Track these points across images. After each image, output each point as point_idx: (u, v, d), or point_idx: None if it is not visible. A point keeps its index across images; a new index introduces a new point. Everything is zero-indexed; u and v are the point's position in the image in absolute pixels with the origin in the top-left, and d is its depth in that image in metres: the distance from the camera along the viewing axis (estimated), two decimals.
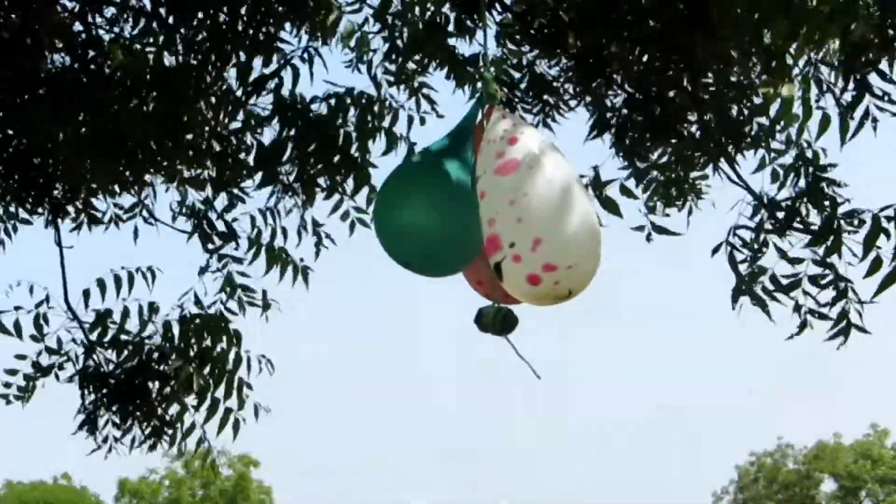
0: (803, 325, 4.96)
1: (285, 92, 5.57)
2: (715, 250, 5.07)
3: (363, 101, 5.58)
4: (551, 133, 5.66)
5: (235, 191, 5.88)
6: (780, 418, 79.68)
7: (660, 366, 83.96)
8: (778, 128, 5.32)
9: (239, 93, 5.60)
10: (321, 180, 5.72)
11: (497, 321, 3.00)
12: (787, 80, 5.15)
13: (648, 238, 5.51)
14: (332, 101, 5.56)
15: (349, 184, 5.78)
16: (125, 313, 5.87)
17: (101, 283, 5.78)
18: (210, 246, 5.97)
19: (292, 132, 5.51)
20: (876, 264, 4.39)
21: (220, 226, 6.00)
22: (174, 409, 5.89)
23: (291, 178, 5.70)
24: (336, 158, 5.57)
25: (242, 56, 5.41)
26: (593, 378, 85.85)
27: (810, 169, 5.18)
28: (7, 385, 5.87)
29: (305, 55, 5.57)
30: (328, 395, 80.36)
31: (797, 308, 4.95)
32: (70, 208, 5.87)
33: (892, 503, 55.39)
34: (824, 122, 5.15)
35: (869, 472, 55.82)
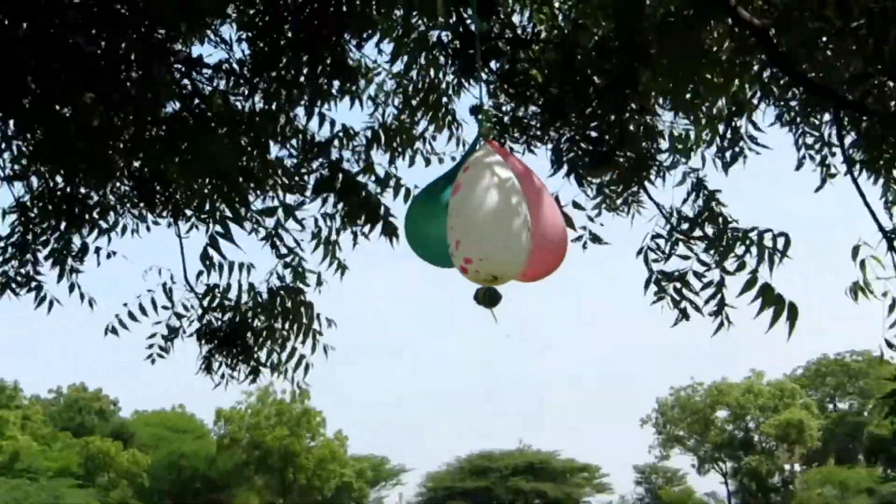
0: (685, 314, 5.47)
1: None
2: (638, 252, 5.60)
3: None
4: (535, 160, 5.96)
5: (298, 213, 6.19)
6: (691, 364, 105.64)
7: (607, 330, 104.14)
8: (680, 160, 5.93)
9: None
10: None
11: (485, 297, 3.34)
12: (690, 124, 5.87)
13: (584, 246, 5.99)
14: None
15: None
16: (227, 287, 6.30)
17: (210, 267, 6.12)
18: (279, 252, 6.32)
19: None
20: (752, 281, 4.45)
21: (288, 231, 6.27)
22: (264, 353, 6.38)
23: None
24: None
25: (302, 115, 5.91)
26: (560, 340, 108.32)
27: (703, 193, 5.65)
28: (150, 346, 6.39)
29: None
30: (370, 347, 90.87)
31: (678, 302, 5.46)
32: (188, 212, 6.26)
33: (768, 425, 62.83)
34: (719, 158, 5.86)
35: (752, 402, 64.69)
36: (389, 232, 6.12)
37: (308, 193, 6.09)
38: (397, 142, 6.08)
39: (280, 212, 6.12)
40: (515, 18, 5.97)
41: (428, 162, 6.26)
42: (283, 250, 6.32)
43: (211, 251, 6.01)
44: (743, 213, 5.01)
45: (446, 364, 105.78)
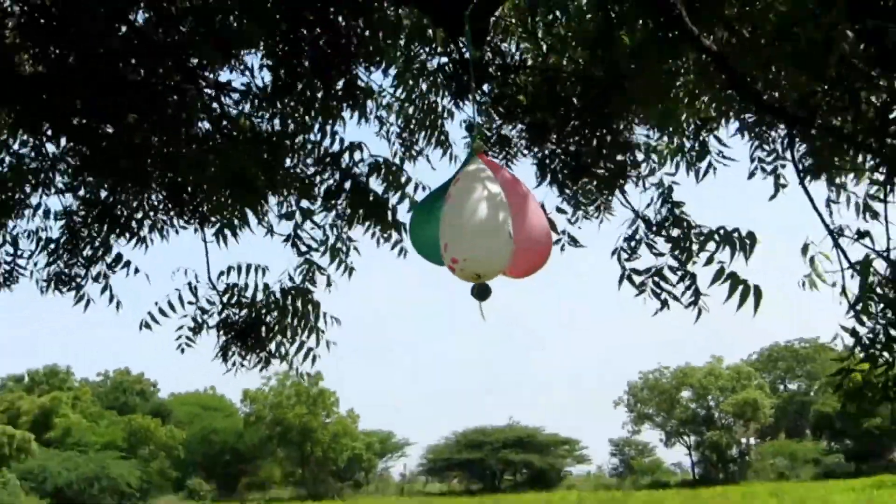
0: (665, 304, 5.36)
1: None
2: (612, 253, 5.58)
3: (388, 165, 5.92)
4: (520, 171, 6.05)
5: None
6: (659, 351, 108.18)
7: (586, 323, 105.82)
8: (651, 171, 5.93)
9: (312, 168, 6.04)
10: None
11: (477, 292, 3.37)
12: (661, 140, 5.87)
13: (562, 249, 5.92)
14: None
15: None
16: (245, 286, 6.26)
17: (230, 268, 6.18)
18: (299, 251, 6.29)
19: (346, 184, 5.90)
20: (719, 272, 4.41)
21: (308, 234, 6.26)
22: (274, 345, 6.33)
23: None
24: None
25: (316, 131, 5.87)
26: (545, 328, 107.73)
27: (670, 201, 5.59)
28: (178, 337, 6.29)
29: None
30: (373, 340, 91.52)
31: (658, 294, 5.37)
32: (213, 219, 6.23)
33: (727, 403, 62.81)
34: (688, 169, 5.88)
35: (713, 383, 64.16)
36: (395, 228, 6.07)
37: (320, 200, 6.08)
38: (392, 178, 5.97)
39: (298, 215, 6.12)
40: (504, 47, 5.96)
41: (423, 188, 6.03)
42: (303, 248, 6.29)
43: (222, 246, 6.14)
44: (714, 217, 4.99)
45: (446, 353, 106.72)
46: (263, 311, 6.27)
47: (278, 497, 59.83)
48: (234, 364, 6.29)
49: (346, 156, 5.84)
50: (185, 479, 61.52)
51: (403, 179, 5.97)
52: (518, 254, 3.39)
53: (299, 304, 6.20)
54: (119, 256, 6.37)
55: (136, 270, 6.38)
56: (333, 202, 5.99)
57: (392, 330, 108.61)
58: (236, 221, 6.12)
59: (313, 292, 6.30)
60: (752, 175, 5.85)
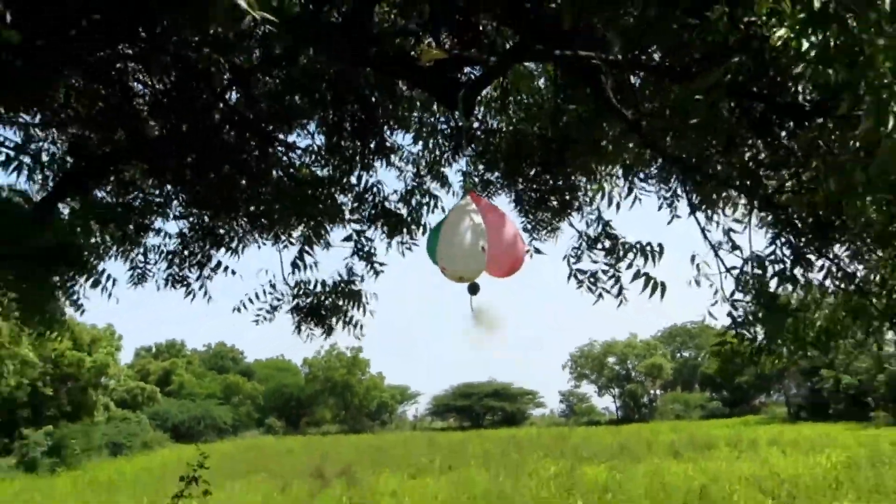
0: (599, 296, 5.34)
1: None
2: (563, 258, 5.52)
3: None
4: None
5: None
6: (593, 329, 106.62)
7: (545, 310, 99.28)
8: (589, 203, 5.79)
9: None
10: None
11: (470, 288, 3.40)
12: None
13: (531, 256, 5.69)
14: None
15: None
16: (308, 281, 6.16)
17: (298, 266, 6.05)
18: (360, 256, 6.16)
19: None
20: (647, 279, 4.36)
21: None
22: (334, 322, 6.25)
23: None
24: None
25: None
26: (519, 313, 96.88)
27: (602, 222, 5.50)
28: (257, 315, 6.14)
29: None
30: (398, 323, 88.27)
31: (594, 290, 5.33)
32: (283, 236, 6.16)
33: (640, 366, 61.37)
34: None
35: (631, 352, 63.50)
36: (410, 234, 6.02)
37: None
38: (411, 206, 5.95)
39: (354, 236, 6.08)
40: (487, 118, 5.93)
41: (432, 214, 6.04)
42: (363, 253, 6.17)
43: (299, 263, 6.02)
44: (636, 234, 4.77)
45: (448, 330, 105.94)
46: (323, 297, 6.18)
47: (328, 431, 59.57)
48: (306, 336, 6.25)
49: (376, 189, 5.80)
50: (263, 419, 61.40)
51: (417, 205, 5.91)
52: (496, 258, 3.37)
53: (347, 292, 6.13)
54: (218, 263, 6.31)
55: (233, 272, 6.31)
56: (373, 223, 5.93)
57: (411, 316, 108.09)
58: (306, 245, 5.97)
59: (354, 283, 6.21)
60: (660, 208, 5.72)
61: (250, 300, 5.99)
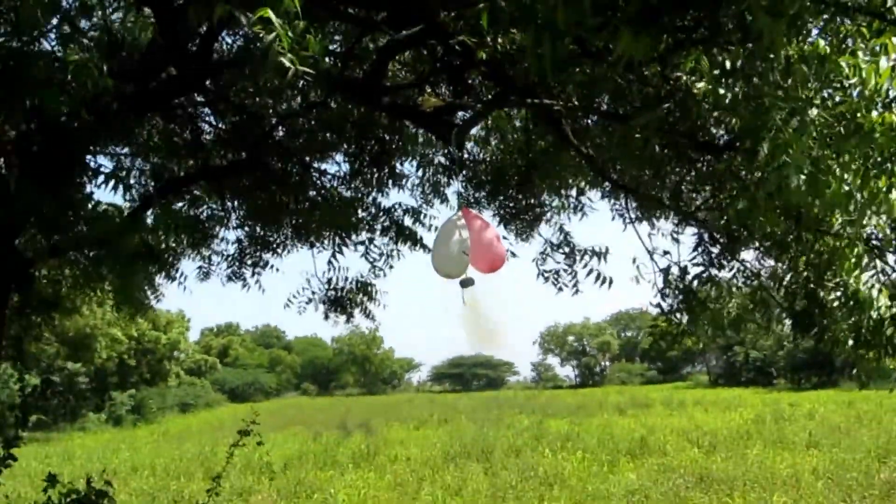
0: (560, 289, 5.26)
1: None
2: (533, 260, 5.45)
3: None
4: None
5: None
6: (556, 313, 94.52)
7: (524, 299, 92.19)
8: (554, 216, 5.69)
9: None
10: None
11: (462, 282, 3.25)
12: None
13: (509, 258, 5.47)
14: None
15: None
16: (336, 279, 5.94)
17: (332, 265, 5.83)
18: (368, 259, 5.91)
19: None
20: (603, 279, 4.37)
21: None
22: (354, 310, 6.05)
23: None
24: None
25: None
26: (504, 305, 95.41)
27: (563, 232, 5.46)
28: (298, 306, 5.95)
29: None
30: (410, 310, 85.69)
31: (556, 284, 5.27)
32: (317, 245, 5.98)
33: (593, 343, 59.72)
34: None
35: (583, 332, 61.53)
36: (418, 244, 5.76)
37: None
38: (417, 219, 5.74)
39: (366, 243, 5.87)
40: (475, 151, 5.86)
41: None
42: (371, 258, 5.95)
43: (332, 262, 5.81)
44: (591, 240, 4.68)
45: (445, 317, 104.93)
46: (345, 291, 6.05)
47: (351, 393, 59.42)
48: (332, 322, 6.17)
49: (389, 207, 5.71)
50: (300, 384, 61.43)
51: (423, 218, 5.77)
52: (480, 255, 3.27)
53: (363, 286, 5.96)
54: (267, 263, 6.21)
55: (278, 270, 6.24)
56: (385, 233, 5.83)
57: (419, 303, 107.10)
58: (336, 250, 5.79)
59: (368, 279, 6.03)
60: (613, 219, 5.69)
61: (294, 296, 5.90)
